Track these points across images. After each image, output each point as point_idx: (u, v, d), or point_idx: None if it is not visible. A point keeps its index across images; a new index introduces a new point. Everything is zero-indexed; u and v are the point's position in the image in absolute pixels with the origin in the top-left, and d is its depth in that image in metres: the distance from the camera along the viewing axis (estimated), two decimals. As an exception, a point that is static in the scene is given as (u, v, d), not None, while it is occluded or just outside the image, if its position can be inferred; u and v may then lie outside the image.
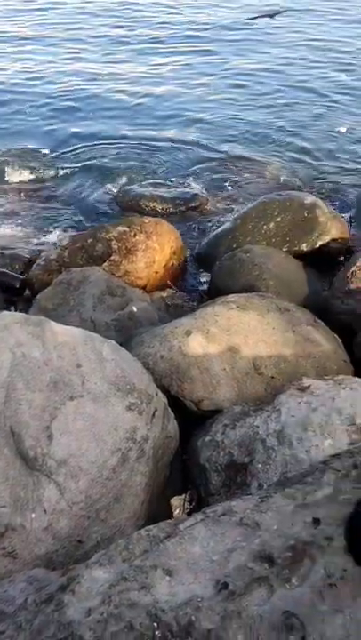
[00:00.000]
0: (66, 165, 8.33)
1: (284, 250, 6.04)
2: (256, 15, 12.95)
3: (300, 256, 6.02)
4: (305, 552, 2.04)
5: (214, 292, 5.43)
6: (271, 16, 11.75)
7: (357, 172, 8.17)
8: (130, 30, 13.66)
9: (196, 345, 3.89)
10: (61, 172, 8.18)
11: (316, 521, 2.13)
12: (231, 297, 4.51)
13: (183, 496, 3.55)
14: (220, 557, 2.09)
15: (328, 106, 10.09)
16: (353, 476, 2.27)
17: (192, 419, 3.86)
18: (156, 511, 3.34)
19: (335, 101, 10.24)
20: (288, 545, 2.07)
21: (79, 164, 8.34)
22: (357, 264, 5.17)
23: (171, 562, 2.11)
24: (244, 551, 2.10)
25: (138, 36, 13.26)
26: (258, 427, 3.32)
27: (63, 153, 8.71)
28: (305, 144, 8.87)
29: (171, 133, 9.18)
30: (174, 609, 1.94)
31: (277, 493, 2.33)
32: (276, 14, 11.76)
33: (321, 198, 6.71)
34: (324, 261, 6.02)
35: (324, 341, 4.19)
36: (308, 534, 2.09)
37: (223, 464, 3.33)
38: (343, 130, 9.27)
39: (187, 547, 2.16)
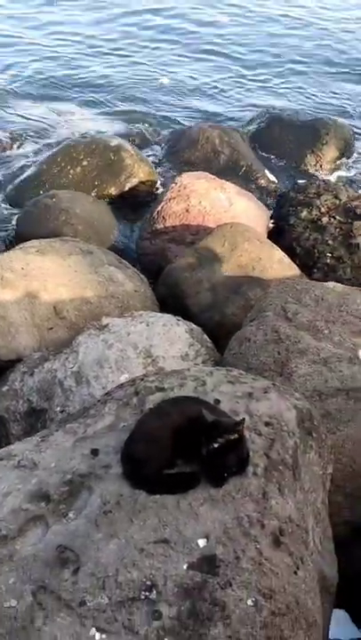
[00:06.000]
0: None
1: (92, 194, 5.89)
2: None
3: (109, 200, 5.92)
4: (82, 484, 1.99)
5: (20, 240, 5.14)
6: None
7: (168, 119, 8.12)
8: None
9: (-10, 293, 3.65)
10: None
11: (95, 452, 2.07)
12: (31, 242, 4.30)
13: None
14: (-6, 504, 1.97)
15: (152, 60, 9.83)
16: (134, 404, 2.25)
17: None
18: None
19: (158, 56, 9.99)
20: (65, 480, 2.00)
21: None
22: (163, 204, 5.17)
23: None
24: (19, 493, 2.00)
25: None
26: (56, 370, 3.21)
27: None
28: (122, 95, 8.59)
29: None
30: None
31: (59, 430, 2.25)
32: None
33: (129, 141, 6.60)
34: (133, 204, 5.96)
35: (127, 281, 4.15)
36: (87, 466, 2.03)
37: (23, 412, 3.19)
38: (165, 82, 9.13)
39: None
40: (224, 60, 9.53)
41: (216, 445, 1.85)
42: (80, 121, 7.67)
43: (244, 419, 1.96)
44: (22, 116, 7.75)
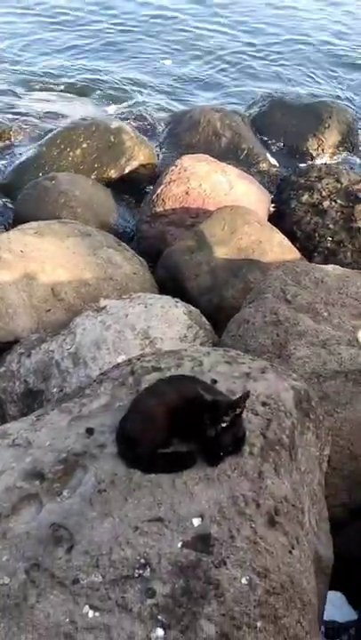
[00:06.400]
0: None
1: (92, 177, 5.83)
2: None
3: (109, 182, 5.86)
4: (77, 463, 1.97)
5: (19, 222, 5.10)
6: None
7: (169, 100, 8.04)
8: None
9: (-13, 274, 3.63)
10: None
11: (90, 431, 2.06)
12: (29, 224, 4.27)
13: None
14: (-13, 482, 1.96)
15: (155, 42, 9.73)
16: (129, 383, 2.23)
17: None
18: None
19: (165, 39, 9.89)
20: (60, 459, 1.99)
21: None
22: (162, 187, 5.12)
23: None
24: (14, 471, 1.98)
25: None
26: (53, 351, 3.19)
27: None
28: (122, 76, 8.50)
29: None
30: None
31: (54, 409, 2.23)
32: None
33: (130, 123, 6.54)
34: (133, 186, 5.91)
35: (126, 264, 4.12)
36: (82, 445, 2.02)
37: (20, 393, 3.18)
38: (168, 63, 9.03)
39: None
40: (225, 38, 9.44)
41: (224, 425, 1.82)
42: (79, 103, 7.60)
43: (249, 392, 1.93)
44: (20, 98, 7.68)
